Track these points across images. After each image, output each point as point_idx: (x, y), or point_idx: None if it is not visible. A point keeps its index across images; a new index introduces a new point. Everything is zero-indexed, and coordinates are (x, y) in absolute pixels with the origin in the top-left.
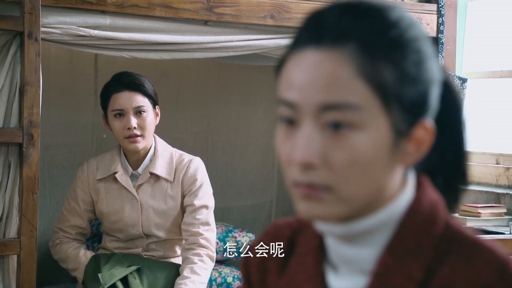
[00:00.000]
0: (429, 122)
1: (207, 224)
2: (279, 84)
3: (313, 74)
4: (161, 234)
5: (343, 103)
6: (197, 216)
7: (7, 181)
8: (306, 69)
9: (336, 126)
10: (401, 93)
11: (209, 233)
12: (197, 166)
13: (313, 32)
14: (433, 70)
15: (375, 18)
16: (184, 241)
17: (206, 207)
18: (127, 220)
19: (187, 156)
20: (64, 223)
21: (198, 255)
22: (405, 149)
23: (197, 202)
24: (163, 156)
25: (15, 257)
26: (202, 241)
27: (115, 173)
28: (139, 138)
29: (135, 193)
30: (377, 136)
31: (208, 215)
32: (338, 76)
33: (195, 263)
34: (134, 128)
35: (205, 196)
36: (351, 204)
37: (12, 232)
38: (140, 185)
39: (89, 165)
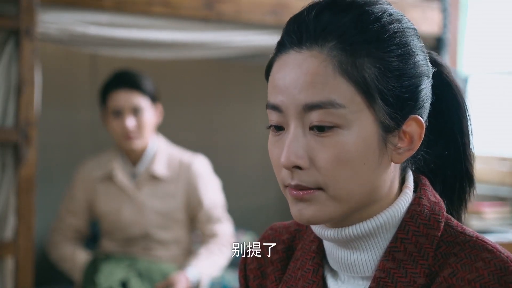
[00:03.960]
0: (419, 116)
1: (219, 220)
2: (268, 89)
3: (295, 75)
4: (160, 234)
5: (325, 101)
6: (208, 215)
7: (3, 181)
8: (288, 71)
9: (320, 126)
10: (385, 88)
11: (223, 228)
12: (199, 164)
13: (294, 34)
14: (421, 64)
15: (355, 13)
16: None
17: (214, 203)
18: (126, 220)
19: (189, 155)
20: (61, 223)
21: (216, 243)
22: (396, 145)
23: (204, 201)
24: (164, 155)
25: (12, 258)
26: (217, 238)
27: (114, 172)
28: (135, 137)
29: (134, 193)
30: (362, 132)
31: (218, 211)
32: (318, 74)
33: (212, 247)
34: (131, 128)
35: (211, 193)
36: (345, 203)
37: (8, 233)
38: (140, 185)
39: (87, 165)
